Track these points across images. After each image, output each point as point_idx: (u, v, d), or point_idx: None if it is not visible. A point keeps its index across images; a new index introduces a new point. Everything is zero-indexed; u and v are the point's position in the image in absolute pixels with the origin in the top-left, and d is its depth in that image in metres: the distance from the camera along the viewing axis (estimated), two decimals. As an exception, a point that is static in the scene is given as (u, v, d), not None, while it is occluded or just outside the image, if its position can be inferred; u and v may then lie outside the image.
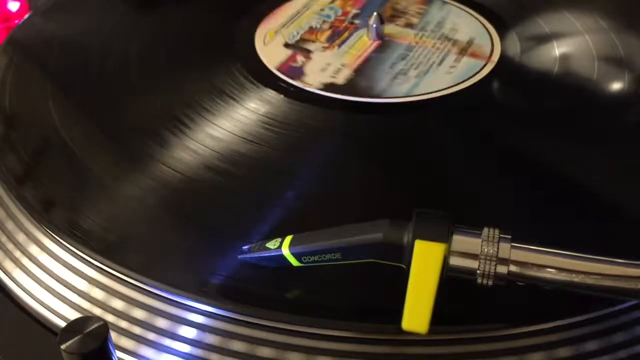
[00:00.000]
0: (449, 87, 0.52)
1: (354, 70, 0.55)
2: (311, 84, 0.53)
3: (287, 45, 0.58)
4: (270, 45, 0.58)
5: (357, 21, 0.62)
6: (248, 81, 0.53)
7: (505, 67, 0.55)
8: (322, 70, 0.55)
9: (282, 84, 0.53)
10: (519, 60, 0.56)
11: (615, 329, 0.37)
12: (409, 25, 0.61)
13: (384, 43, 0.58)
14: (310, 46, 0.58)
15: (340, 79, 0.54)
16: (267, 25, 0.61)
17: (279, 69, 0.55)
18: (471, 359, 0.36)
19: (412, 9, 0.63)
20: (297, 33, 0.60)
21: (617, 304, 0.37)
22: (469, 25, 0.60)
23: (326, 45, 0.58)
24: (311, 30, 0.60)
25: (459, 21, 0.61)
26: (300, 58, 0.57)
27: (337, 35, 0.60)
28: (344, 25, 0.61)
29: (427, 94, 0.51)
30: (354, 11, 0.63)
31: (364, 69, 0.55)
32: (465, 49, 0.57)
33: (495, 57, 0.56)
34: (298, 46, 0.58)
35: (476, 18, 0.61)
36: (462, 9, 0.63)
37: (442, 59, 0.56)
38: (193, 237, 0.41)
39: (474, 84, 0.53)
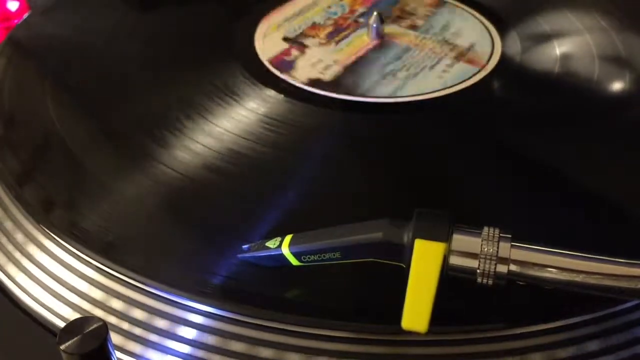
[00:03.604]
0: (435, 91, 0.52)
1: (344, 67, 0.54)
2: (297, 78, 0.53)
3: (285, 39, 0.58)
4: (269, 38, 0.58)
5: (361, 20, 0.61)
6: (238, 72, 0.53)
7: (500, 74, 0.54)
8: (313, 65, 0.55)
9: (270, 78, 0.53)
10: (517, 67, 0.55)
11: (617, 328, 0.37)
12: (413, 27, 0.60)
13: (383, 43, 0.58)
14: (308, 41, 0.58)
15: (328, 76, 0.53)
16: (272, 18, 0.62)
17: (270, 62, 0.55)
18: (471, 359, 0.36)
19: (421, 11, 0.63)
20: (299, 27, 0.60)
21: (619, 304, 0.37)
22: (473, 30, 0.60)
23: (324, 41, 0.58)
24: (314, 25, 0.60)
25: (464, 25, 0.61)
26: (294, 52, 0.56)
27: (337, 32, 0.59)
28: (347, 22, 0.61)
29: (410, 96, 0.51)
30: (361, 10, 0.63)
31: (355, 67, 0.55)
32: (462, 54, 0.56)
33: (493, 63, 0.55)
34: (296, 40, 0.58)
35: (482, 22, 0.61)
36: (470, 13, 0.63)
37: (436, 63, 0.55)
38: (192, 237, 0.41)
39: (464, 88, 0.52)
